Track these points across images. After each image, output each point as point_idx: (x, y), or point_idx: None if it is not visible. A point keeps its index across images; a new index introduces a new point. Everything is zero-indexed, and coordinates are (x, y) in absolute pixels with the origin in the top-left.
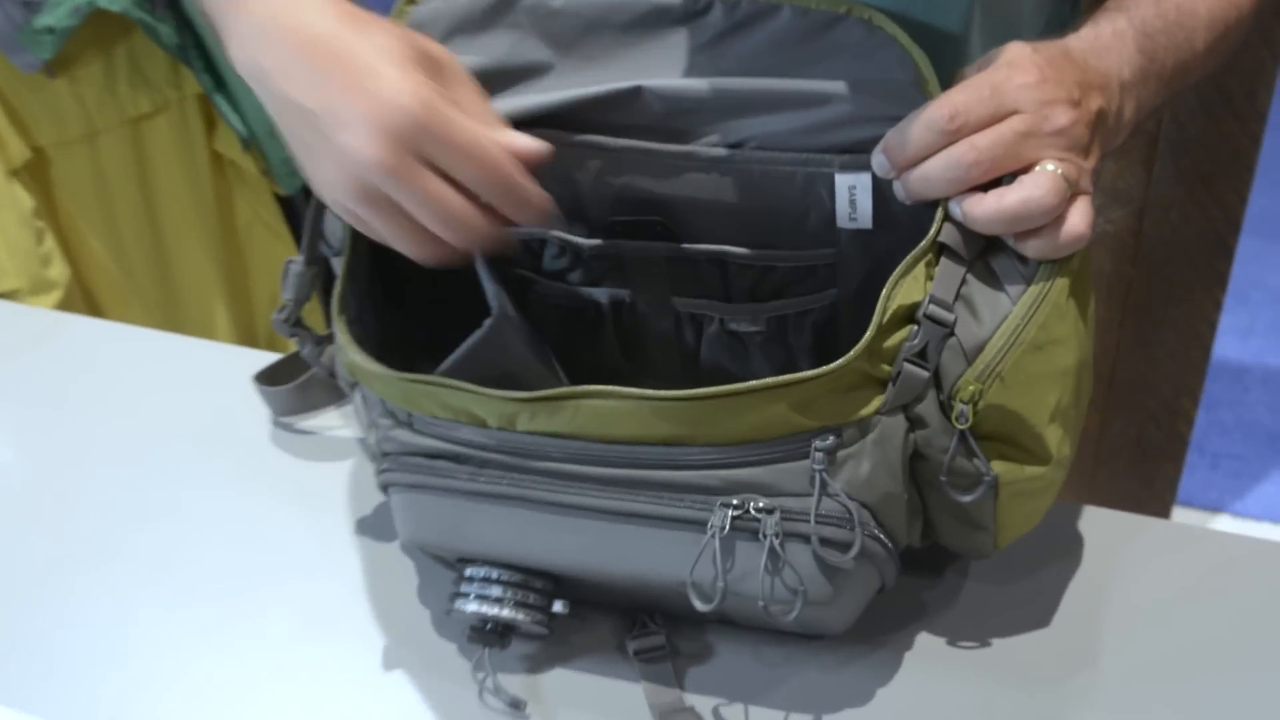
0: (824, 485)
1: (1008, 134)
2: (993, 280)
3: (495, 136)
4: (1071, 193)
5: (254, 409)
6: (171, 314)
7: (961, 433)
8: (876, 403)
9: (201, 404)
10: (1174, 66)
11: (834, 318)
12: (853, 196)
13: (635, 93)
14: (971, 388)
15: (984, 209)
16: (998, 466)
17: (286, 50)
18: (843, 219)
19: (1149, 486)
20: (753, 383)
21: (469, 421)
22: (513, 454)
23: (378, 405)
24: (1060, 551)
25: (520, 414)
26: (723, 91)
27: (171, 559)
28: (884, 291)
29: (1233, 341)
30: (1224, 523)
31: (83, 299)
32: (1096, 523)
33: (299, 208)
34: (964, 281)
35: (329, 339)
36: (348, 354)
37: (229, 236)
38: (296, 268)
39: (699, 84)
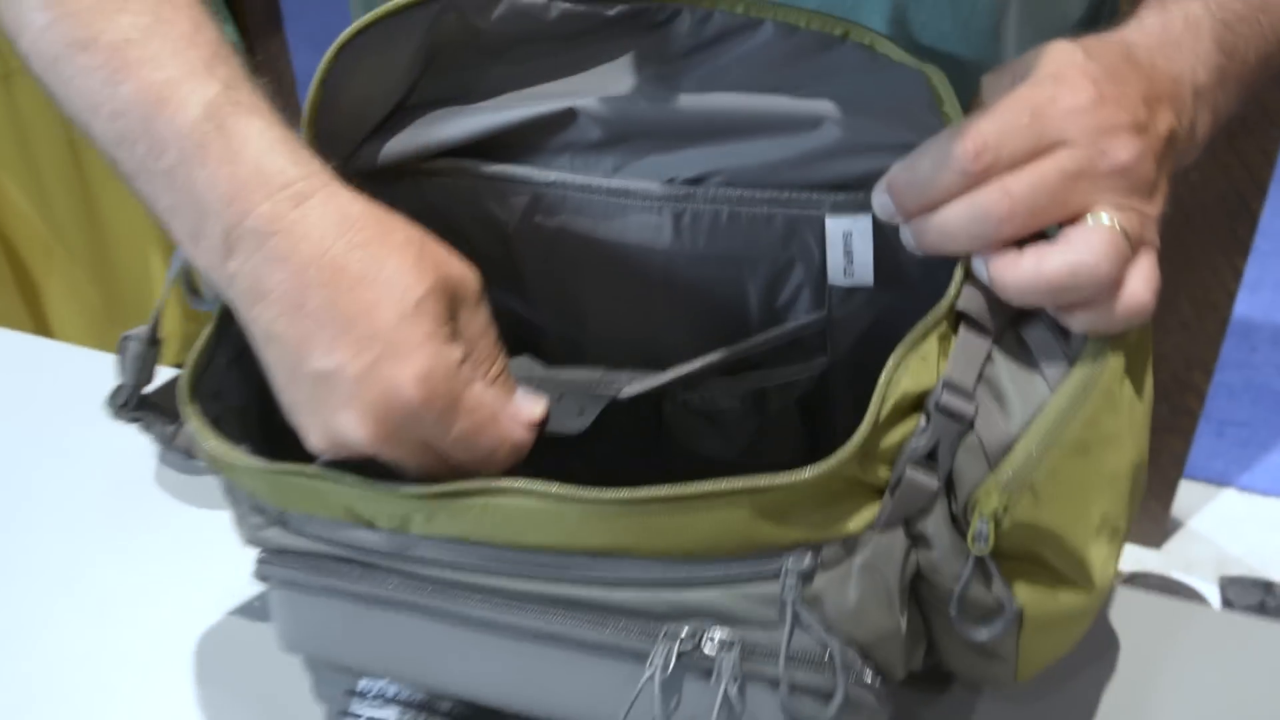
0: (797, 617)
1: (1052, 176)
2: (1025, 358)
3: (511, 412)
4: (1132, 250)
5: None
6: (101, 265)
7: (979, 558)
8: (869, 515)
9: (67, 426)
10: (1257, 61)
11: (825, 384)
12: (848, 245)
13: (567, 115)
14: (994, 500)
15: (1019, 275)
16: (1023, 593)
17: (292, 277)
18: (836, 273)
19: (1153, 465)
20: (707, 485)
21: (353, 521)
22: (410, 560)
23: (244, 499)
24: (1091, 652)
25: (415, 514)
26: (678, 113)
27: (10, 637)
28: (884, 375)
29: (1239, 296)
30: (1230, 498)
31: (1, 251)
32: (1132, 611)
33: None
34: (988, 359)
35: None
36: (202, 441)
37: None
38: (136, 346)
39: (645, 104)
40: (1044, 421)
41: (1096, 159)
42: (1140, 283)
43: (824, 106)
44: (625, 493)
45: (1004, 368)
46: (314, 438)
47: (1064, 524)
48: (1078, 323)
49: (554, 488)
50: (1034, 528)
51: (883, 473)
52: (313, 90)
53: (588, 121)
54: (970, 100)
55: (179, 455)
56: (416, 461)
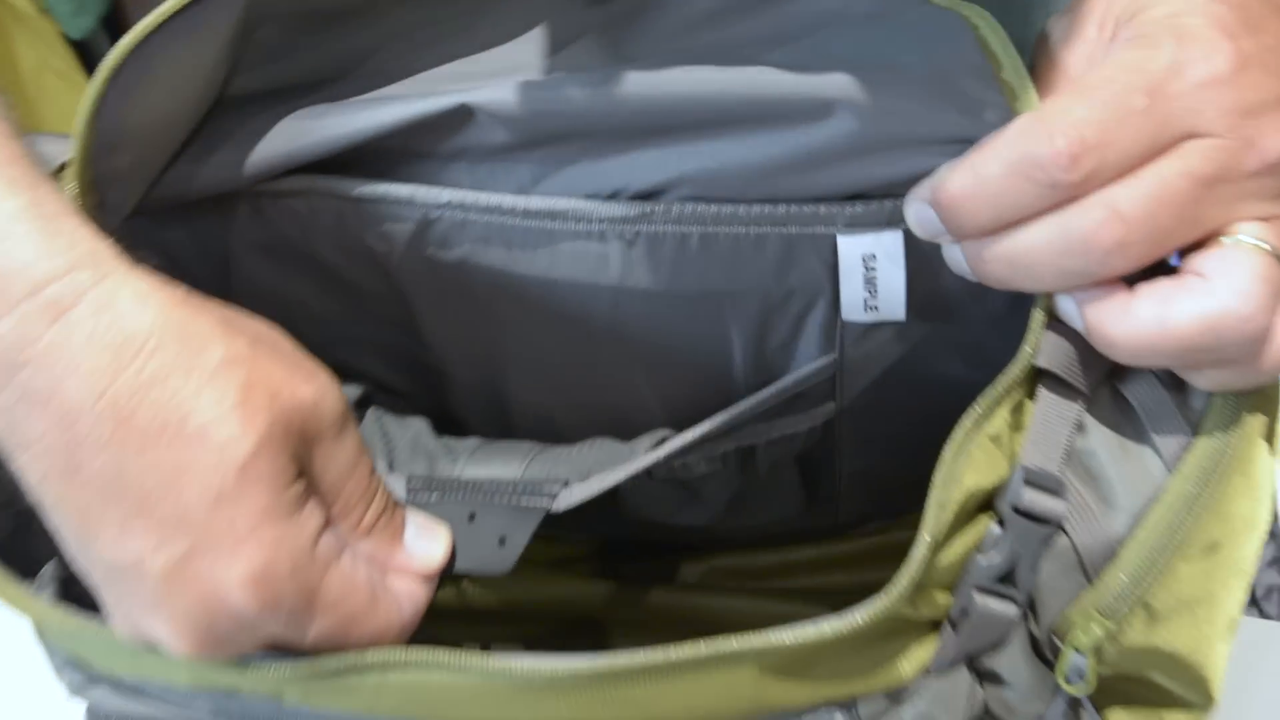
0: None
1: (1180, 186)
2: (1130, 425)
3: (397, 572)
4: None
5: None
6: None
7: (1073, 698)
8: (922, 656)
9: None
10: None
11: (829, 429)
12: (870, 272)
13: (459, 114)
14: (1096, 630)
15: (1134, 331)
16: None
17: (57, 430)
18: (853, 308)
19: None
20: (703, 648)
21: (209, 689)
22: None
23: (57, 650)
24: None
25: (287, 689)
26: (619, 100)
27: None
28: (939, 473)
29: None
30: None
31: None
32: None
33: (95, 51)
34: (1078, 428)
35: None
36: None
37: (16, 88)
38: None
39: (572, 89)
40: (1163, 516)
41: (1240, 154)
42: None
43: (830, 83)
44: (585, 662)
45: (1101, 440)
46: (120, 629)
47: (1184, 642)
48: (1207, 380)
49: (476, 659)
50: (1146, 651)
51: (941, 600)
52: (82, 131)
53: (489, 121)
54: (1034, 51)
55: None
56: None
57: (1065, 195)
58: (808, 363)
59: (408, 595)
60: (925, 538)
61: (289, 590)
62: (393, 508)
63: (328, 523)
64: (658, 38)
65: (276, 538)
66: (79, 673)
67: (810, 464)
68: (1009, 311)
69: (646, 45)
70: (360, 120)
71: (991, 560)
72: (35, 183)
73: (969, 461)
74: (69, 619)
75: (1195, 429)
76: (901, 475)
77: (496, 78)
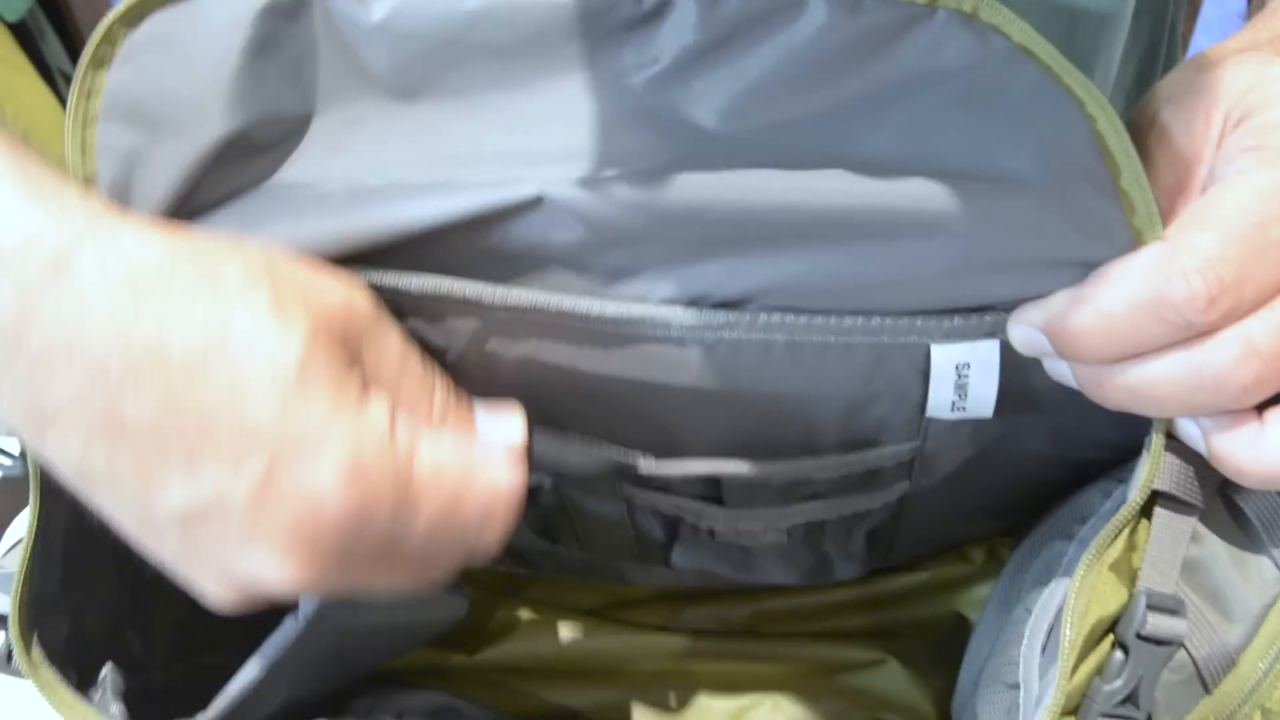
0: None
1: None
2: (1245, 537)
3: (484, 450)
4: None
5: None
6: None
7: None
8: None
9: None
10: None
11: (900, 508)
12: (962, 380)
13: (533, 204)
14: None
15: (1266, 462)
16: None
17: (86, 385)
18: (940, 409)
19: None
20: None
21: None
22: None
23: None
24: None
25: None
26: (704, 207)
27: None
28: (1066, 612)
29: None
30: None
31: None
32: None
33: (33, 33)
34: (1193, 538)
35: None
36: (55, 704)
37: None
38: None
39: (655, 190)
40: None
41: None
42: None
43: (934, 197)
44: None
45: (1216, 550)
46: (215, 593)
47: None
48: None
49: None
50: None
51: None
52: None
53: (563, 216)
54: (1138, 127)
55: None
56: (385, 582)
57: (1198, 333)
58: (889, 445)
59: (503, 469)
60: (1061, 682)
61: (383, 478)
62: (457, 395)
63: (395, 414)
64: (731, 110)
65: (354, 429)
66: None
67: (873, 532)
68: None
69: (718, 120)
70: (425, 208)
71: (1115, 686)
72: (11, 144)
73: (1091, 593)
74: None
75: None
76: (958, 528)
77: (565, 165)
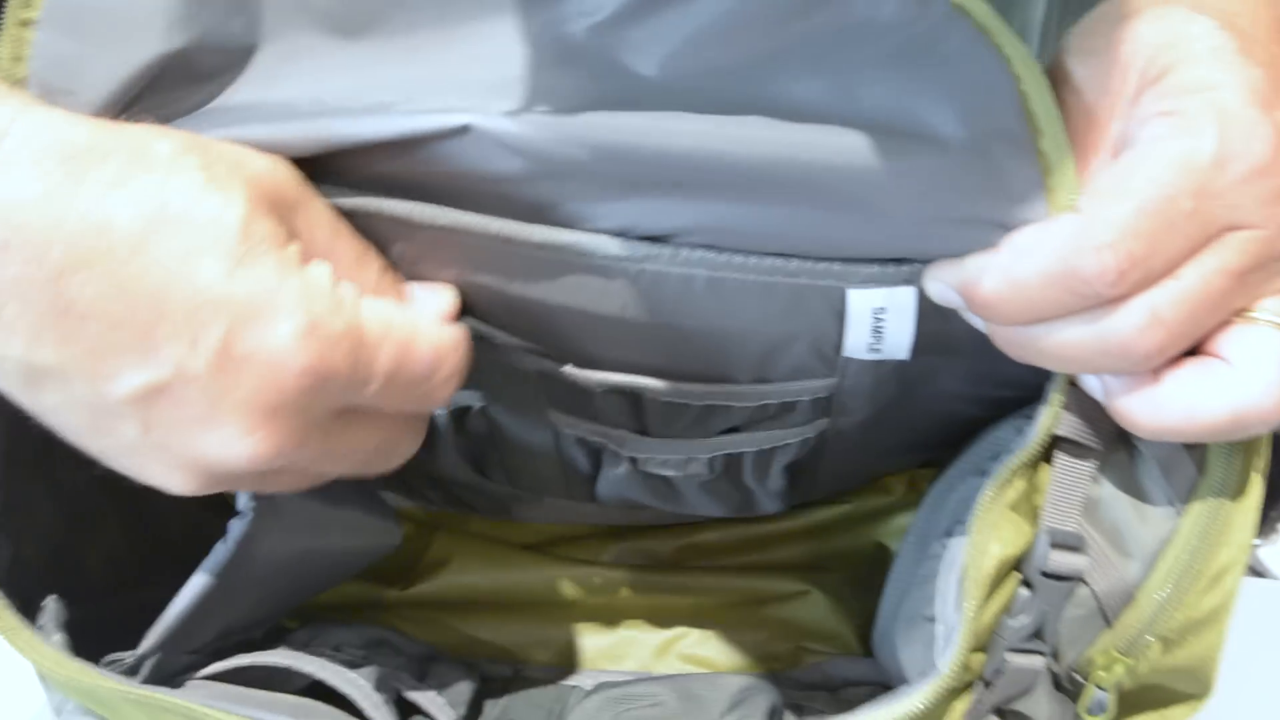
0: None
1: (1218, 284)
2: (1141, 471)
3: (423, 311)
4: None
5: None
6: None
7: None
8: (956, 716)
9: None
10: None
11: (819, 444)
12: (879, 323)
13: (462, 132)
14: (1119, 669)
15: (1162, 419)
16: None
17: (26, 269)
18: (857, 349)
19: None
20: None
21: None
22: None
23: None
24: None
25: None
26: (634, 149)
27: None
28: (968, 553)
29: None
30: None
31: None
32: None
33: None
34: (1094, 481)
35: None
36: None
37: None
38: None
39: (587, 129)
40: (1177, 557)
41: (1274, 240)
42: None
43: (858, 156)
44: None
45: (1115, 490)
46: (175, 481)
47: (1195, 656)
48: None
49: None
50: (1161, 672)
51: (974, 663)
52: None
53: (492, 146)
54: (1053, 81)
55: None
56: (348, 448)
57: (1105, 302)
58: (806, 380)
59: (448, 334)
60: (965, 631)
61: (338, 332)
62: (389, 267)
63: (338, 277)
64: (667, 59)
65: (303, 288)
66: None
67: (794, 467)
68: None
69: (653, 67)
70: (355, 127)
71: (1022, 622)
72: None
73: (993, 533)
74: (85, 671)
75: (1201, 468)
76: (877, 463)
77: (496, 99)
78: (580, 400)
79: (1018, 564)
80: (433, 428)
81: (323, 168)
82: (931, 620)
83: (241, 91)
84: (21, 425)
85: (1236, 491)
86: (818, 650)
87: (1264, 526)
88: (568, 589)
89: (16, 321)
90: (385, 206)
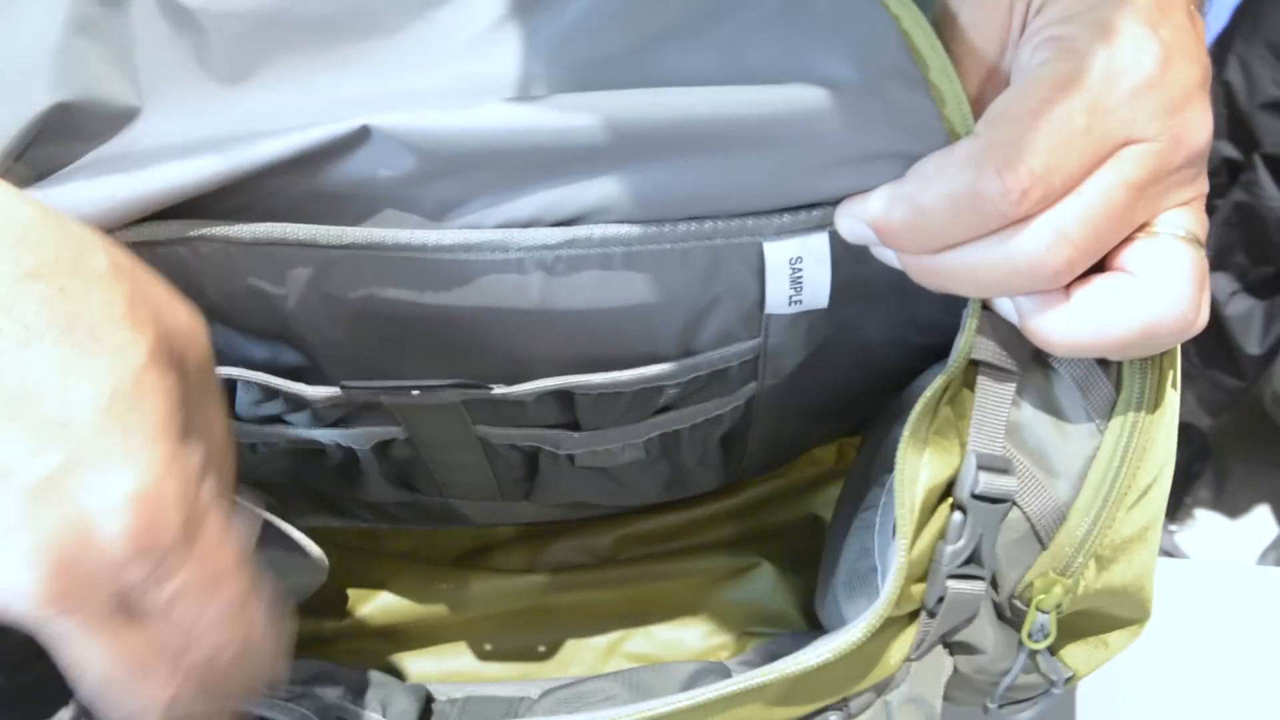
0: None
1: (1119, 198)
2: (1060, 392)
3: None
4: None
5: None
6: None
7: (1033, 650)
8: (903, 647)
9: None
10: None
11: (749, 410)
12: (797, 273)
13: (359, 137)
14: (1057, 590)
15: (1073, 335)
16: (1073, 656)
17: None
18: (778, 304)
19: None
20: (701, 696)
21: None
22: None
23: None
24: None
25: None
26: (532, 129)
27: None
28: (897, 477)
29: None
30: None
31: None
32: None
33: None
34: (1014, 405)
35: None
36: None
37: None
38: None
39: (483, 114)
40: (1102, 474)
41: (1170, 153)
42: (1206, 304)
43: (756, 107)
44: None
45: (1036, 412)
46: None
47: (1129, 576)
48: (1131, 357)
49: None
50: (1097, 593)
51: (915, 591)
52: None
53: (391, 146)
54: (939, 28)
55: None
56: (98, 639)
57: (1011, 222)
58: (732, 345)
59: (267, 620)
60: (901, 554)
61: (173, 522)
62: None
63: (205, 471)
64: (550, 55)
65: (169, 458)
66: None
67: (727, 439)
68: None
69: (538, 63)
70: (251, 153)
71: (958, 547)
72: None
73: (920, 459)
74: None
75: (1116, 385)
76: (808, 429)
77: (390, 104)
78: (508, 412)
79: (948, 491)
80: (355, 460)
81: (219, 204)
82: (873, 570)
83: (127, 139)
84: None
85: (1153, 406)
86: (764, 633)
87: (1178, 511)
88: (507, 600)
89: None
90: (289, 232)
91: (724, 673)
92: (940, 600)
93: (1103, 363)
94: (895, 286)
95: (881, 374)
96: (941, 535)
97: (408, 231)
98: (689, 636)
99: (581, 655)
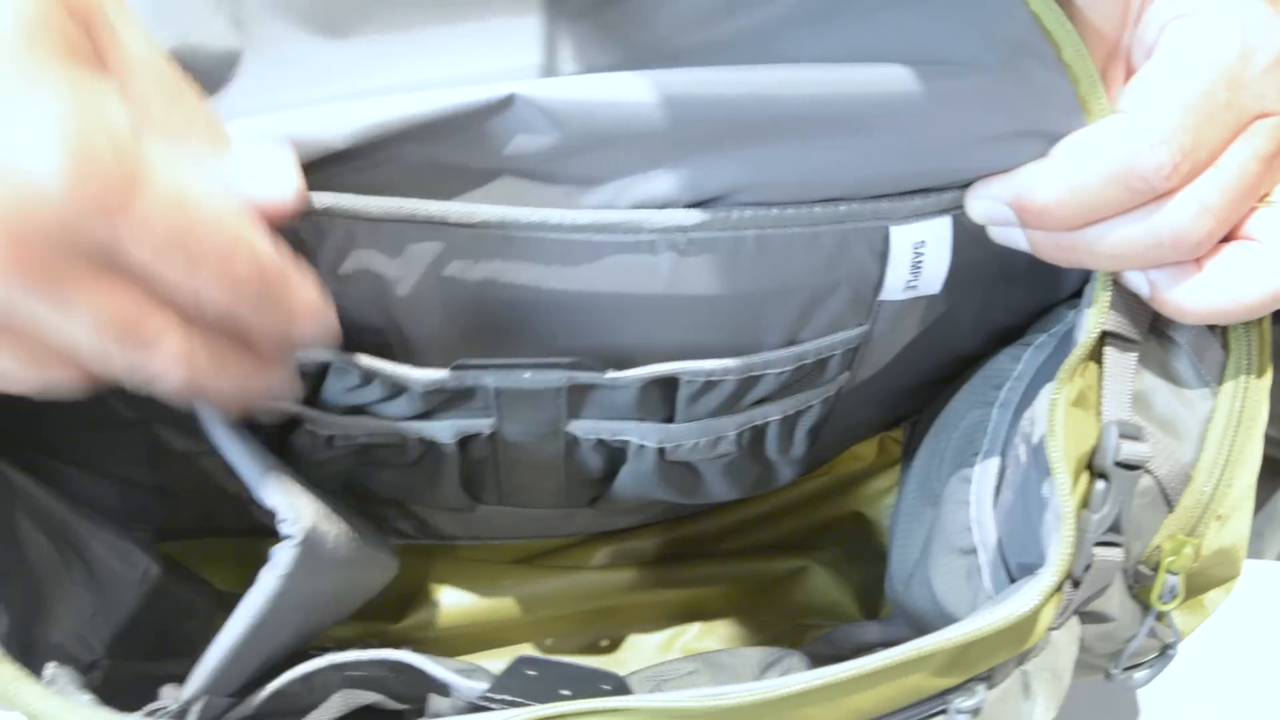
0: None
1: (1253, 169)
2: (1175, 358)
3: (221, 190)
4: None
5: None
6: None
7: (1160, 613)
8: (1049, 617)
9: None
10: None
11: (834, 407)
12: (918, 258)
13: (502, 106)
14: (1188, 549)
15: (1208, 306)
16: (1180, 618)
17: None
18: (894, 289)
19: None
20: (887, 658)
21: None
22: None
23: None
24: None
25: None
26: (673, 105)
27: None
28: (1052, 450)
29: None
30: None
31: None
32: None
33: None
34: (1136, 374)
35: None
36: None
37: None
38: None
39: (623, 88)
40: (1220, 433)
41: None
42: None
43: (893, 87)
44: (768, 690)
45: (1156, 379)
46: None
47: (1239, 534)
48: None
49: (674, 701)
50: (1215, 553)
51: None
52: None
53: (535, 117)
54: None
55: None
56: (102, 309)
57: (1158, 197)
58: (840, 333)
59: (256, 229)
60: (1067, 505)
61: (107, 158)
62: (209, 118)
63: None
64: (678, 27)
65: (85, 94)
66: None
67: (814, 429)
68: (1029, 269)
69: (669, 33)
70: (385, 110)
71: (1103, 514)
72: None
73: (1067, 430)
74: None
75: (1225, 346)
76: (870, 419)
77: (531, 71)
78: (607, 402)
79: (1088, 463)
80: (431, 459)
81: (334, 171)
82: (969, 552)
83: (234, 95)
84: None
85: (1259, 368)
86: (818, 624)
87: None
88: (565, 599)
89: None
90: (419, 208)
91: (794, 658)
92: (1087, 568)
93: (1211, 327)
94: (1001, 271)
95: (955, 360)
96: (1085, 503)
97: (542, 210)
98: (746, 631)
99: (642, 650)
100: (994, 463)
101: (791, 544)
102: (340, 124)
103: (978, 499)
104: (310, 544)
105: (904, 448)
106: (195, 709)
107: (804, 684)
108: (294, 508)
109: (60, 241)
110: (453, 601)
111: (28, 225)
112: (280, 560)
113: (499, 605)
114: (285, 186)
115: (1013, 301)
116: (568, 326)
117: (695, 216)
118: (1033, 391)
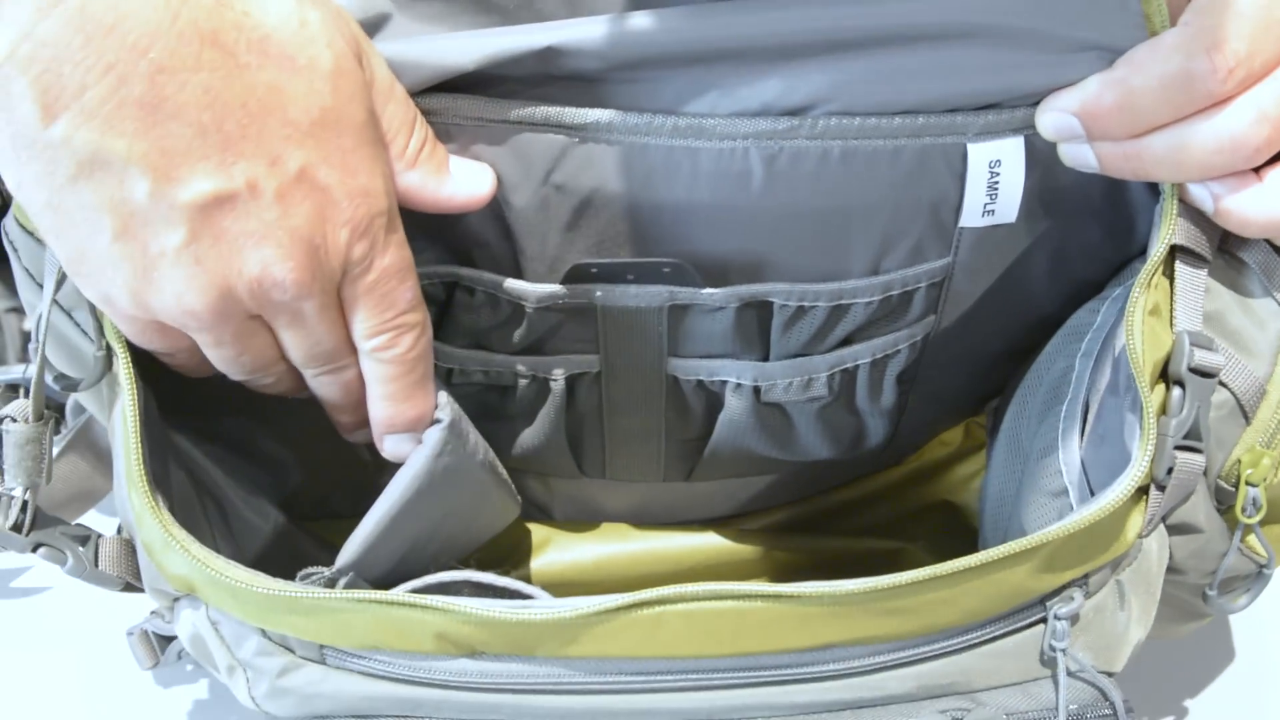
0: (1067, 670)
1: None
2: (1243, 279)
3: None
4: None
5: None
6: None
7: (1246, 526)
8: (1138, 522)
9: None
10: None
11: (922, 355)
12: (994, 177)
13: (602, 28)
14: (1266, 460)
15: (1269, 214)
16: (1272, 536)
17: (125, 57)
18: (972, 213)
19: None
20: (989, 555)
21: (440, 653)
22: (530, 689)
23: (250, 635)
24: None
25: (549, 639)
26: (762, 21)
27: None
28: (1135, 353)
29: None
30: None
31: None
32: None
33: None
34: (1206, 294)
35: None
36: (185, 560)
37: None
38: (21, 430)
39: (715, 9)
40: None
41: None
42: None
43: (969, 4)
44: (887, 582)
45: (1226, 298)
46: (189, 298)
47: None
48: None
49: (782, 589)
50: None
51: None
52: None
53: (632, 38)
54: None
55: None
56: (316, 325)
57: (1216, 102)
58: (922, 265)
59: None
60: (1147, 407)
61: (383, 206)
62: (434, 141)
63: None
64: None
65: (376, 152)
66: (278, 655)
67: (902, 378)
68: (1102, 203)
69: None
70: (504, 41)
71: (1182, 418)
72: None
73: (1144, 340)
74: (310, 592)
75: None
76: (958, 390)
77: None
78: (704, 333)
79: (1164, 372)
80: (546, 400)
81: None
82: (1059, 494)
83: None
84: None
85: None
86: None
87: None
88: (671, 558)
89: (100, 107)
90: (536, 112)
91: None
92: (1169, 472)
93: (1275, 248)
94: (1075, 207)
95: (1037, 322)
96: (1163, 409)
97: (646, 115)
98: None
99: None
100: (1079, 407)
101: (883, 531)
102: (470, 50)
103: (1065, 442)
104: (455, 430)
105: (989, 428)
106: (344, 580)
107: (914, 577)
108: (444, 397)
109: (332, 271)
110: (561, 556)
111: (321, 241)
112: (430, 440)
113: (609, 559)
114: (486, 185)
115: (1088, 244)
116: (668, 237)
117: (785, 124)
118: (1112, 337)
